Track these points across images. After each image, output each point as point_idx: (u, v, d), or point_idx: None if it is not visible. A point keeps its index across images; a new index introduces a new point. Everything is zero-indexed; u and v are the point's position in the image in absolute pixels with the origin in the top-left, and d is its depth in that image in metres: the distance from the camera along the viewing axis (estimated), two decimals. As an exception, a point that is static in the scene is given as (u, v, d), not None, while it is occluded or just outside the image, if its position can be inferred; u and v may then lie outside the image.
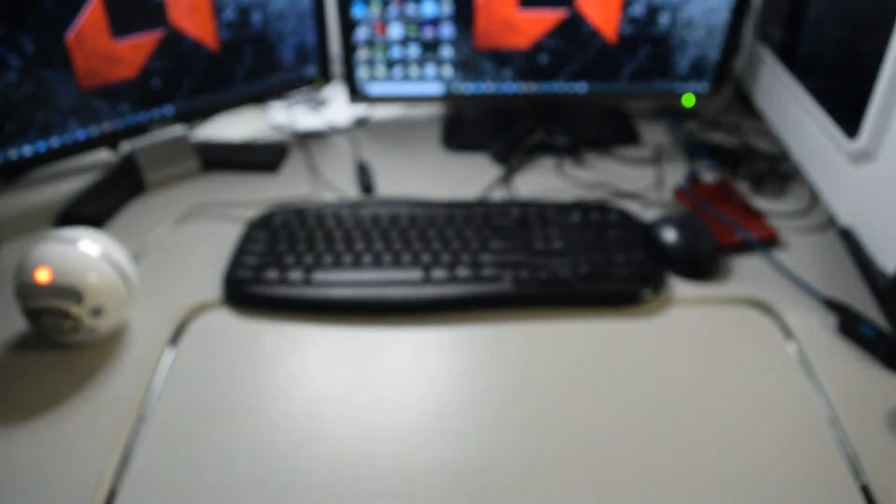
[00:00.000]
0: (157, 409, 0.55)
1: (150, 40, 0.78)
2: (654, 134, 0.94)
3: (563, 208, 0.73)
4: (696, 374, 0.57)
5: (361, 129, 0.98)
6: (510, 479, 0.49)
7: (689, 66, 0.88)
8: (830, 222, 0.74)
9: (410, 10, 0.85)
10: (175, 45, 0.79)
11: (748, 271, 0.68)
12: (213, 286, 0.67)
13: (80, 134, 0.76)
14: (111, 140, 0.80)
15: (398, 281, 0.64)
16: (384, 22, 0.86)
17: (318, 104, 1.03)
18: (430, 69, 0.90)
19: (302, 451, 0.51)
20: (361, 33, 0.87)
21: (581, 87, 0.91)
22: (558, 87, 0.90)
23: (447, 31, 0.87)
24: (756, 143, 0.89)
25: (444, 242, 0.68)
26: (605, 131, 0.94)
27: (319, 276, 0.65)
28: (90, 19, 0.72)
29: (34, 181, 0.85)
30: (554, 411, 0.54)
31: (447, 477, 0.49)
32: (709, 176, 0.83)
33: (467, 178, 0.84)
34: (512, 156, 0.87)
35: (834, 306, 0.62)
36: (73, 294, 0.55)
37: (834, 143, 0.68)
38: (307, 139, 0.95)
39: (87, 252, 0.57)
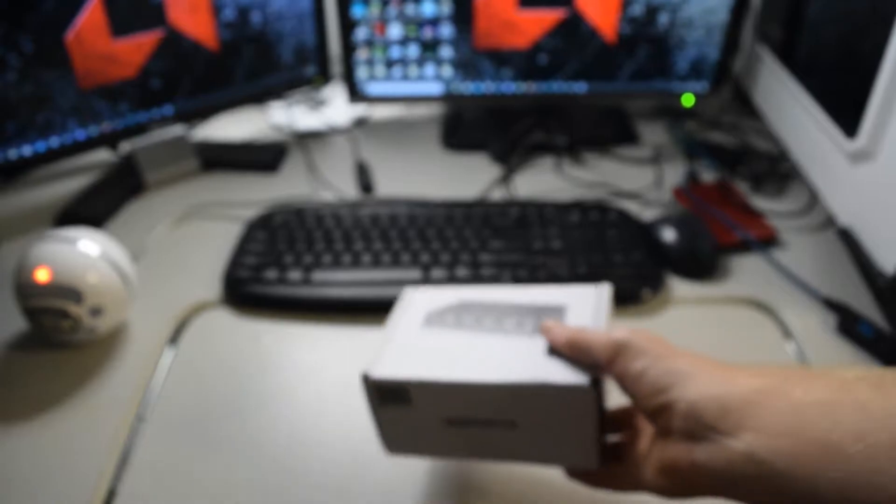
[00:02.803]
0: (156, 408, 0.55)
1: (149, 40, 0.78)
2: (653, 134, 0.94)
3: (563, 208, 0.73)
4: (695, 373, 0.57)
5: (361, 128, 0.98)
6: (509, 479, 0.49)
7: (689, 66, 0.88)
8: (829, 222, 0.74)
9: (410, 10, 0.85)
10: (174, 45, 0.79)
11: (747, 271, 0.68)
12: (212, 286, 0.67)
13: (80, 134, 0.76)
14: (111, 140, 0.80)
15: (397, 280, 0.64)
16: (383, 22, 0.86)
17: (318, 104, 1.03)
18: (430, 69, 0.90)
19: (301, 451, 0.51)
20: (361, 33, 0.87)
21: (580, 87, 0.91)
22: (558, 86, 0.90)
23: (446, 31, 0.87)
24: (755, 143, 0.89)
25: (443, 242, 0.68)
26: (605, 131, 0.94)
27: (318, 275, 0.65)
28: (90, 19, 0.72)
29: (34, 181, 0.86)
30: (553, 411, 0.54)
31: (447, 476, 0.49)
32: (708, 176, 0.83)
33: (466, 178, 0.84)
34: (511, 155, 0.87)
35: (833, 306, 0.62)
36: (73, 294, 0.55)
37: (833, 142, 0.68)
38: (306, 139, 0.95)
39: (86, 252, 0.57)
